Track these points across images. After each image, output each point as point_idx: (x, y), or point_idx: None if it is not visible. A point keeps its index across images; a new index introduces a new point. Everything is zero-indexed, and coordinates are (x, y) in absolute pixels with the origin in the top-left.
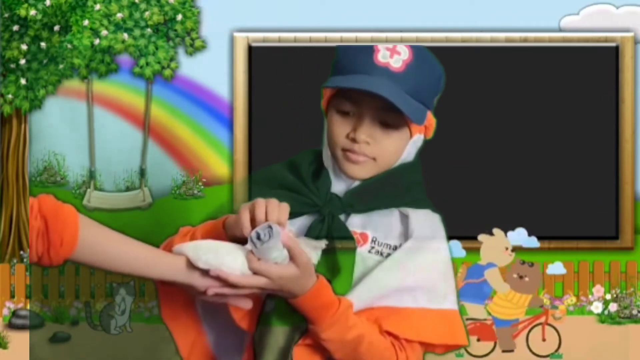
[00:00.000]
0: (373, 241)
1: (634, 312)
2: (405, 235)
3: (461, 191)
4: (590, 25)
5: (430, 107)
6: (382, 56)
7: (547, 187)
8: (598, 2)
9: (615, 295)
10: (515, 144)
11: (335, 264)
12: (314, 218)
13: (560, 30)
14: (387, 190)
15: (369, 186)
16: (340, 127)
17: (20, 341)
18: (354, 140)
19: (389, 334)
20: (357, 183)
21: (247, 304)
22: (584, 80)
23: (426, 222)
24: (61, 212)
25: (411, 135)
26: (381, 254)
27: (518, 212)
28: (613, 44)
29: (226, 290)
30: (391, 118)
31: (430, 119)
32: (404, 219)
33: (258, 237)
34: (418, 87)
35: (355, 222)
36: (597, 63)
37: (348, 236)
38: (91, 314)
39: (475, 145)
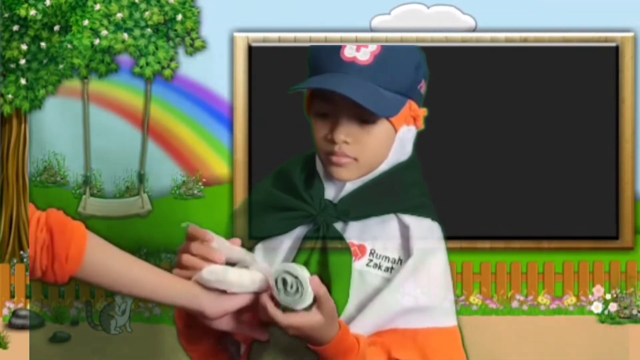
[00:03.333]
0: (371, 253)
1: (634, 312)
2: (406, 247)
3: (461, 191)
4: (399, 25)
5: (412, 96)
6: (348, 51)
7: (547, 187)
8: (409, 2)
9: (615, 295)
10: (515, 144)
11: (331, 275)
12: (309, 227)
13: (371, 30)
14: (383, 195)
15: (364, 191)
16: (320, 130)
17: (20, 341)
18: (332, 142)
19: None
20: (348, 187)
21: (264, 336)
22: (584, 80)
23: (427, 235)
24: (69, 227)
25: (396, 129)
26: (379, 267)
27: (518, 212)
28: (613, 44)
29: (245, 329)
30: (366, 113)
31: (416, 109)
32: (404, 229)
33: (284, 284)
34: (391, 77)
35: (352, 233)
36: (597, 63)
37: (344, 245)
38: (91, 314)
39: (475, 145)
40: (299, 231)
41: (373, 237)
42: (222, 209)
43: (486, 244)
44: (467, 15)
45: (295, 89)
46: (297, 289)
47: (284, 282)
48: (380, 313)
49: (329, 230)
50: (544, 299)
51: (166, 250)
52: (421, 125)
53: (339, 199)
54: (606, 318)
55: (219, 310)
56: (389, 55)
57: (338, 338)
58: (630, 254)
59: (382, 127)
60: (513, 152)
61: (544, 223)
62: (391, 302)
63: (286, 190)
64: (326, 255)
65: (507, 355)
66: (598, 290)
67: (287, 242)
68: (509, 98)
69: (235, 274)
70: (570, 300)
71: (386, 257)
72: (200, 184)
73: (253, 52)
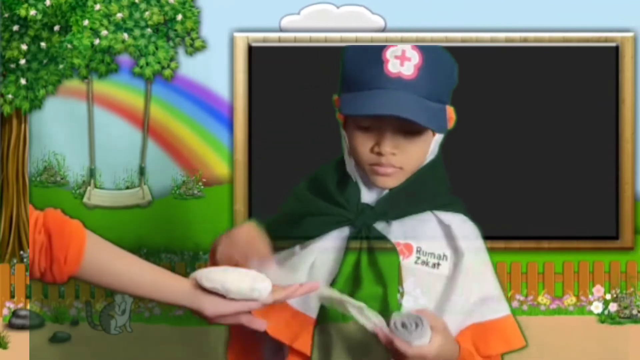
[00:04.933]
0: (418, 251)
1: (634, 312)
2: (451, 245)
3: (460, 191)
4: (309, 25)
5: (448, 101)
6: (393, 66)
7: (547, 187)
8: (318, 2)
9: (615, 295)
10: (515, 144)
11: (382, 274)
12: (349, 232)
13: (280, 30)
14: (418, 193)
15: (401, 191)
16: (363, 143)
17: (20, 341)
18: (379, 154)
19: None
20: (387, 190)
21: (262, 325)
22: (584, 80)
23: (468, 233)
24: (67, 228)
25: (434, 134)
26: (427, 264)
27: (518, 212)
28: (613, 44)
29: (243, 320)
30: (413, 126)
31: (451, 112)
32: (444, 226)
33: (403, 326)
34: (434, 88)
35: (397, 233)
36: (597, 63)
37: (389, 244)
38: (91, 314)
39: (475, 146)
40: (338, 233)
41: (416, 235)
42: (222, 209)
43: (486, 244)
44: (377, 15)
45: (353, 115)
46: (417, 324)
47: (403, 324)
48: (454, 316)
49: (370, 231)
50: (544, 299)
51: (166, 250)
52: (451, 126)
53: (377, 201)
54: (606, 318)
55: (217, 312)
56: (431, 66)
57: (464, 351)
58: (630, 254)
59: (424, 136)
60: (513, 152)
61: (544, 223)
62: (461, 304)
63: (321, 196)
64: (374, 255)
65: (507, 356)
66: (598, 290)
67: (325, 243)
68: (509, 98)
69: (234, 283)
70: (570, 300)
71: (432, 254)
72: (200, 184)
73: (253, 52)
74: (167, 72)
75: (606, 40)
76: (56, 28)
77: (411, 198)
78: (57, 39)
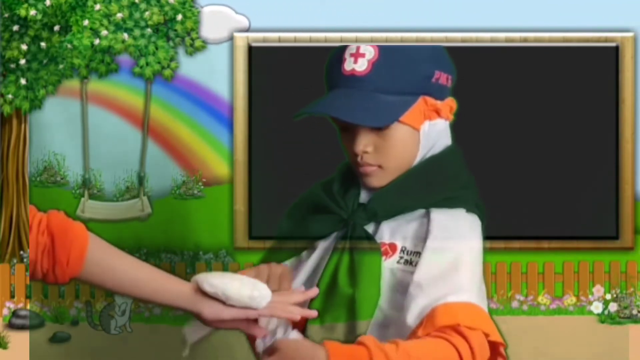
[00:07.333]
0: (402, 251)
1: (634, 312)
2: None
3: None
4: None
5: (426, 91)
6: (347, 64)
7: (547, 187)
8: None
9: (615, 295)
10: (515, 144)
11: (359, 274)
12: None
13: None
14: (410, 191)
15: (391, 190)
16: (345, 144)
17: (20, 341)
18: (355, 154)
19: (445, 328)
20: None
21: (260, 332)
22: (584, 80)
23: (446, 223)
24: (70, 229)
25: (415, 128)
26: (410, 263)
27: (518, 212)
28: (613, 44)
29: (242, 325)
30: None
31: (433, 103)
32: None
33: None
34: (393, 80)
35: (384, 233)
36: (597, 63)
37: (372, 244)
38: (91, 314)
39: (474, 146)
40: (337, 234)
41: (404, 234)
42: (222, 209)
43: (486, 244)
44: (241, 14)
45: (298, 117)
46: None
47: None
48: (402, 311)
49: (355, 231)
50: (544, 299)
51: (166, 251)
52: (449, 117)
53: (368, 200)
54: (606, 318)
55: (216, 317)
56: (389, 59)
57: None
58: (630, 254)
59: (399, 130)
60: (513, 152)
61: (544, 223)
62: (409, 298)
63: (326, 194)
64: (353, 256)
65: (507, 356)
66: (598, 290)
67: (322, 244)
68: (509, 98)
69: (234, 290)
70: (570, 300)
71: (417, 253)
72: (200, 184)
73: (253, 52)
74: (167, 72)
75: (606, 40)
76: (56, 28)
77: (402, 196)
78: (57, 39)
